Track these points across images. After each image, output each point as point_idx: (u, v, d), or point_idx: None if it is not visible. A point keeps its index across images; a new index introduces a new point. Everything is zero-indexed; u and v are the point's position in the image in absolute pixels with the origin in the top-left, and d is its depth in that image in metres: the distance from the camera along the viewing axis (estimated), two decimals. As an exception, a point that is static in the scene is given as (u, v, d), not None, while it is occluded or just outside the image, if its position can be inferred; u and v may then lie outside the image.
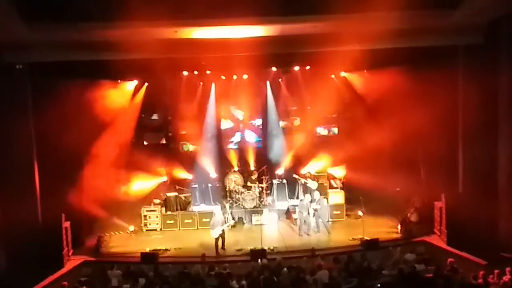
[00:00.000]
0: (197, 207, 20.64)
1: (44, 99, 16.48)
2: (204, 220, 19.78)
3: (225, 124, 22.90)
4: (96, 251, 17.56)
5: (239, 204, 20.97)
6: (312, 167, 22.19)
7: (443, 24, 15.26)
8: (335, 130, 23.35)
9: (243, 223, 20.36)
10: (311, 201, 18.67)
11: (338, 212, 20.35)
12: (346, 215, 20.55)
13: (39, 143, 16.91)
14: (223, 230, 17.43)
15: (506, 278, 11.95)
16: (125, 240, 18.98)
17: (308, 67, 21.33)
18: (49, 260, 15.80)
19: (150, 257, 16.44)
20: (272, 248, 17.08)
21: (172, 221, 20.11)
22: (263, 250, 16.28)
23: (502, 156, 16.60)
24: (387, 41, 15.99)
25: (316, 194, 18.99)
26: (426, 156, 19.38)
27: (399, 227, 18.62)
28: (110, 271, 14.59)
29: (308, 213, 18.63)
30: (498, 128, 16.56)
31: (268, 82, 22.41)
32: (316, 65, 20.54)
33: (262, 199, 21.22)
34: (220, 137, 23.12)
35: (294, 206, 20.19)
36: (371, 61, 18.33)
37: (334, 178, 21.79)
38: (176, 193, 21.17)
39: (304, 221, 18.64)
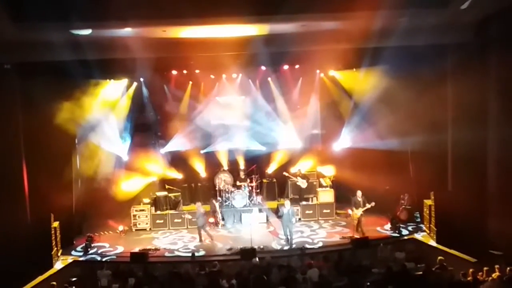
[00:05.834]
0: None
1: (33, 99, 16.39)
2: (194, 219, 19.76)
3: (215, 123, 22.80)
4: (86, 251, 17.49)
5: (229, 203, 20.97)
6: (302, 165, 22.23)
7: (433, 23, 15.31)
8: (324, 128, 23.29)
9: (233, 222, 20.32)
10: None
11: (328, 210, 20.38)
12: (336, 213, 20.59)
13: (28, 143, 16.80)
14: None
15: (495, 275, 12.01)
16: (114, 240, 18.89)
17: (297, 66, 21.32)
18: (38, 260, 15.69)
19: (140, 257, 16.39)
20: (262, 247, 17.06)
21: (161, 221, 20.10)
22: (253, 249, 16.26)
23: (491, 155, 16.70)
24: (377, 40, 16.02)
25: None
26: (415, 154, 19.45)
27: (389, 225, 18.70)
28: (100, 271, 14.54)
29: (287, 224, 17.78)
30: (487, 127, 16.63)
31: (257, 81, 22.35)
32: (305, 63, 20.52)
33: (252, 198, 21.21)
34: (210, 136, 23.02)
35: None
36: (360, 60, 18.35)
37: (323, 176, 21.82)
38: (165, 193, 21.16)
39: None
